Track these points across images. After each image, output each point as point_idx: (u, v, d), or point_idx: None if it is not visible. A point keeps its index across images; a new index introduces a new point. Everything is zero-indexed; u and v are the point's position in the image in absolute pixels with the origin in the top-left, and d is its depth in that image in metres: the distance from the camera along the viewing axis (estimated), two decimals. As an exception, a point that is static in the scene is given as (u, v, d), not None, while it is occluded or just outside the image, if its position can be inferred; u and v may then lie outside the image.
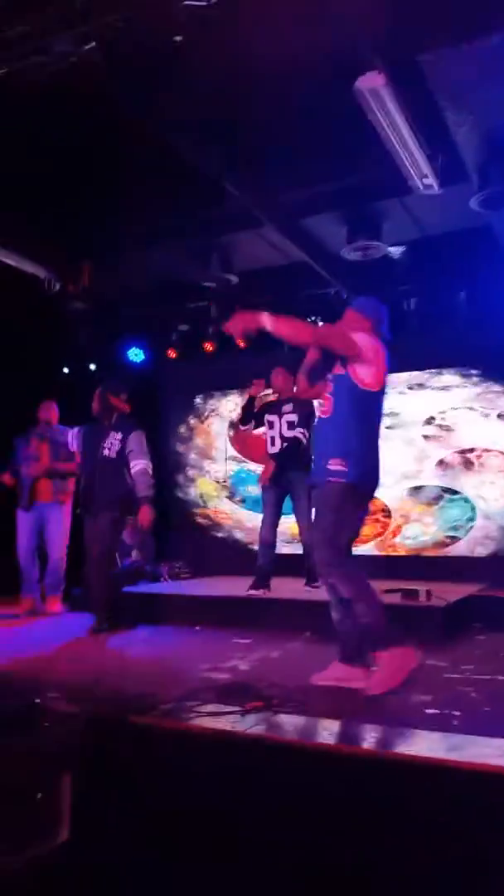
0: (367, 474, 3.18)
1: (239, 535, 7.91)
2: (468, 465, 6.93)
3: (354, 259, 5.99)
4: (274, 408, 5.66)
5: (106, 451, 4.86)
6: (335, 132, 4.73)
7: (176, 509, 8.40)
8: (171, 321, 8.00)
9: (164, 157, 4.93)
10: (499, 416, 6.86)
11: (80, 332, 7.24)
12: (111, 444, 4.86)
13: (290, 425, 5.49)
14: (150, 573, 6.72)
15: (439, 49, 3.84)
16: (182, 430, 8.51)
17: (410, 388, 7.08)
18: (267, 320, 3.14)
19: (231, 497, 8.07)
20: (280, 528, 5.58)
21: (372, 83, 3.89)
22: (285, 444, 5.46)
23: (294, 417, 5.49)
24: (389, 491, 6.86)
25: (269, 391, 5.87)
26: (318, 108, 4.54)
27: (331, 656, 3.27)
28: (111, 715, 2.67)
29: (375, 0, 3.68)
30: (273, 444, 5.60)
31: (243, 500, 7.90)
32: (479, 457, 6.88)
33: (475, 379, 6.99)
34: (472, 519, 6.89)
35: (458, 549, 6.94)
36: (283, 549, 5.96)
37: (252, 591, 5.27)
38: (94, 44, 3.81)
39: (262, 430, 5.75)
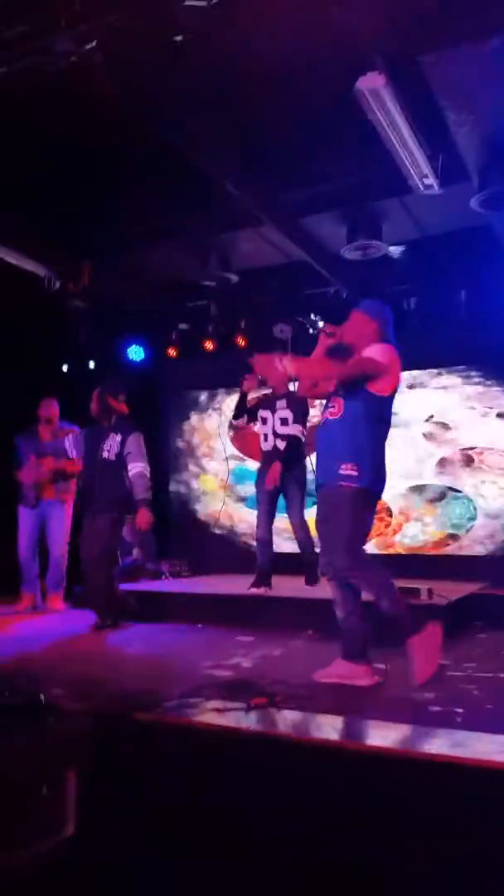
0: (377, 478, 3.23)
1: (240, 532, 7.93)
2: (468, 463, 6.95)
3: (354, 258, 6.01)
4: (267, 404, 5.64)
5: (105, 454, 4.88)
6: (335, 132, 4.75)
7: (177, 507, 8.42)
8: (171, 320, 8.02)
9: (164, 156, 4.94)
10: (498, 415, 6.89)
11: (80, 331, 7.25)
12: (110, 445, 4.88)
13: (284, 422, 5.48)
14: (151, 571, 6.74)
15: (440, 49, 3.86)
16: (182, 428, 8.53)
17: (411, 387, 7.09)
18: (290, 365, 3.16)
19: (231, 495, 8.08)
20: (283, 526, 5.60)
21: (372, 83, 3.90)
22: (280, 442, 5.45)
23: (288, 414, 5.48)
24: (390, 490, 6.81)
25: (266, 390, 5.86)
26: (319, 108, 4.56)
27: (333, 654, 3.29)
28: (116, 711, 2.68)
29: (376, 0, 3.71)
30: (266, 440, 5.58)
31: (244, 499, 7.92)
32: (479, 455, 6.91)
33: (475, 378, 7.01)
34: (472, 518, 6.91)
35: (459, 548, 6.96)
36: (284, 547, 5.97)
37: (253, 590, 5.29)
38: (94, 43, 3.83)
39: (256, 426, 5.75)
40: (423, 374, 7.13)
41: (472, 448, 6.94)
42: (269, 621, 4.73)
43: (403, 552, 7.11)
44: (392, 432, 3.39)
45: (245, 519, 7.80)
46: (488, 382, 6.95)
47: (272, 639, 4.28)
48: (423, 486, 7.08)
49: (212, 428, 8.33)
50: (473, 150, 4.62)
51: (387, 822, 2.08)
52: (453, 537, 6.98)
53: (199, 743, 2.48)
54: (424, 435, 7.11)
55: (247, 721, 2.50)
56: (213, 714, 2.58)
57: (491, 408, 6.92)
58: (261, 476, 5.61)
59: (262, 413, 5.61)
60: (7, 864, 2.23)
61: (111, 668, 3.71)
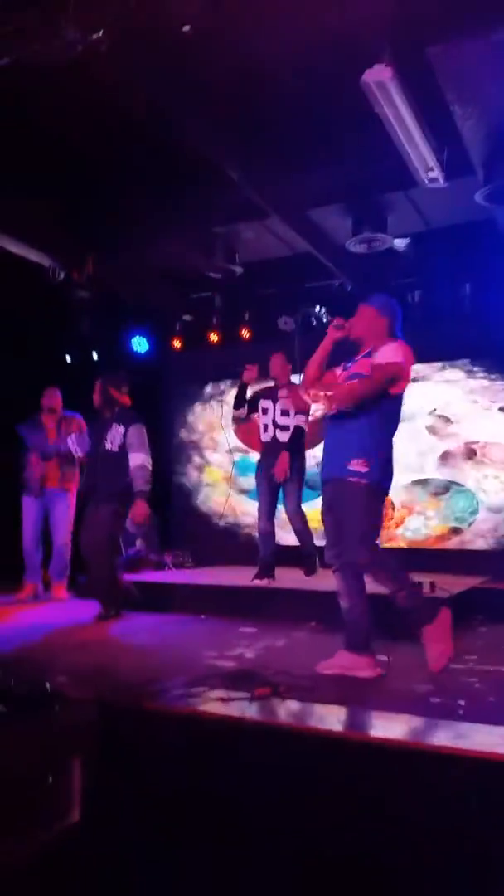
0: (386, 475, 3.27)
1: (243, 524, 7.95)
2: (471, 458, 6.96)
3: (359, 251, 6.01)
4: (269, 394, 5.63)
5: (108, 444, 4.89)
6: (342, 124, 4.75)
7: (180, 499, 8.45)
8: (175, 311, 8.02)
9: (169, 146, 4.95)
10: (501, 409, 6.89)
11: (84, 321, 7.24)
12: (113, 437, 4.89)
13: (285, 412, 5.49)
14: (154, 562, 6.76)
15: (446, 42, 3.85)
16: (186, 419, 8.55)
17: (414, 380, 7.04)
18: (327, 402, 3.21)
19: (235, 486, 8.10)
20: (286, 518, 5.61)
21: (379, 76, 3.90)
22: (280, 433, 5.45)
23: (289, 405, 5.48)
24: (393, 483, 6.89)
25: (268, 381, 5.85)
26: (325, 100, 4.55)
27: (336, 645, 3.32)
28: (121, 700, 2.71)
29: (384, -7, 3.71)
30: (266, 430, 5.58)
31: (247, 490, 7.93)
32: (482, 449, 6.92)
33: (479, 372, 7.01)
34: (475, 512, 6.93)
35: (461, 542, 6.98)
36: (287, 539, 5.98)
37: (256, 581, 5.31)
38: (101, 32, 3.83)
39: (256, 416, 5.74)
40: (426, 368, 7.12)
41: (474, 442, 6.95)
42: (272, 612, 4.75)
43: (405, 546, 7.13)
44: (395, 426, 3.40)
45: (248, 510, 7.80)
46: (492, 376, 6.95)
47: (275, 630, 4.30)
48: (426, 479, 7.09)
49: (215, 420, 8.34)
50: (479, 144, 4.62)
51: (388, 813, 2.11)
52: (455, 531, 7.00)
53: (202, 732, 2.50)
54: (427, 428, 7.12)
55: (250, 711, 2.53)
56: (217, 704, 2.60)
57: (494, 402, 6.92)
58: (261, 467, 5.62)
59: (264, 403, 5.61)
60: (12, 852, 2.25)
61: (115, 658, 3.74)
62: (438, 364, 7.10)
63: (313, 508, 7.27)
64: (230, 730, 2.45)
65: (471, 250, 6.33)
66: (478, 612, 4.78)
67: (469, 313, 6.64)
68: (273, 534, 5.50)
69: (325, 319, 3.69)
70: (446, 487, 7.05)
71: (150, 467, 4.84)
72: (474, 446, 6.95)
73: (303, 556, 5.52)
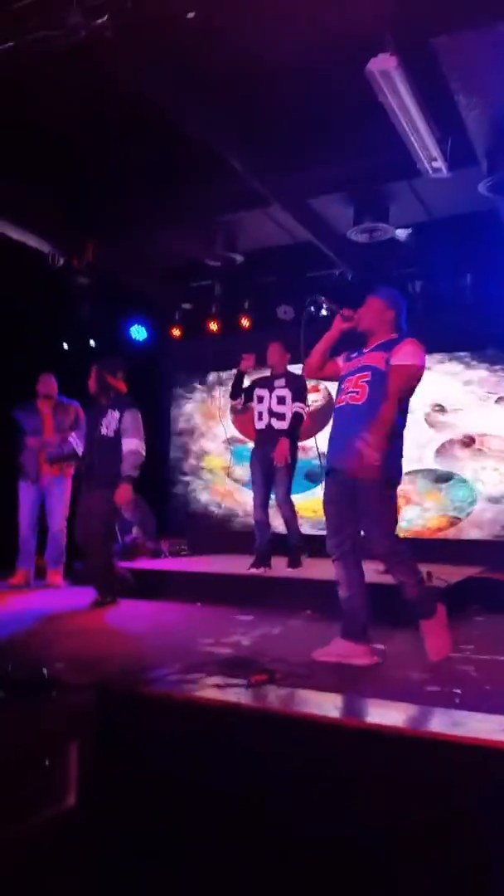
0: (399, 466, 3.31)
1: (240, 513, 7.96)
2: (470, 448, 6.98)
3: (361, 241, 6.00)
4: (265, 382, 5.60)
5: (104, 430, 4.88)
6: (345, 113, 4.73)
7: (177, 487, 8.46)
8: (175, 299, 8.01)
9: (172, 133, 4.92)
10: (499, 399, 6.91)
11: (83, 308, 7.22)
12: (108, 422, 4.88)
13: (281, 400, 5.46)
14: (150, 550, 6.77)
15: (452, 32, 3.83)
16: (184, 408, 8.55)
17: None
18: (378, 440, 3.15)
19: (231, 475, 8.11)
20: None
21: (384, 65, 3.89)
22: (276, 421, 5.42)
23: (286, 393, 5.45)
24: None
25: (265, 371, 5.83)
26: (329, 89, 4.54)
27: (332, 633, 3.33)
28: (118, 686, 2.72)
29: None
30: (260, 418, 5.54)
31: (244, 480, 7.95)
32: (480, 440, 6.93)
33: (479, 363, 7.03)
34: (472, 502, 6.95)
35: (458, 532, 7.01)
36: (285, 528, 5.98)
37: (253, 570, 5.32)
38: (105, 17, 3.80)
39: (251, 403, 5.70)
40: (426, 358, 7.11)
41: (474, 433, 6.97)
42: (268, 601, 4.76)
43: (403, 535, 7.13)
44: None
45: (245, 499, 7.83)
46: (494, 367, 6.97)
47: (271, 618, 4.31)
48: (425, 470, 7.11)
49: (213, 409, 8.35)
50: (483, 135, 4.61)
51: (385, 799, 2.12)
52: (453, 521, 7.03)
53: (199, 718, 2.51)
54: (426, 419, 7.13)
55: (247, 697, 2.53)
56: (214, 690, 2.61)
57: (493, 393, 6.93)
58: (255, 456, 5.60)
59: (259, 392, 5.58)
60: (9, 834, 2.27)
61: (112, 644, 3.75)
62: (439, 355, 7.10)
63: (312, 497, 7.34)
64: (227, 716, 2.45)
65: (472, 241, 6.33)
66: (474, 602, 4.80)
67: (470, 304, 6.65)
68: (268, 523, 5.50)
69: (323, 311, 3.69)
70: (445, 478, 7.06)
71: (142, 453, 4.83)
72: (473, 437, 6.97)
73: (289, 546, 5.51)
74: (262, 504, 5.51)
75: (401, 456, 3.34)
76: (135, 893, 2.45)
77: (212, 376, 8.39)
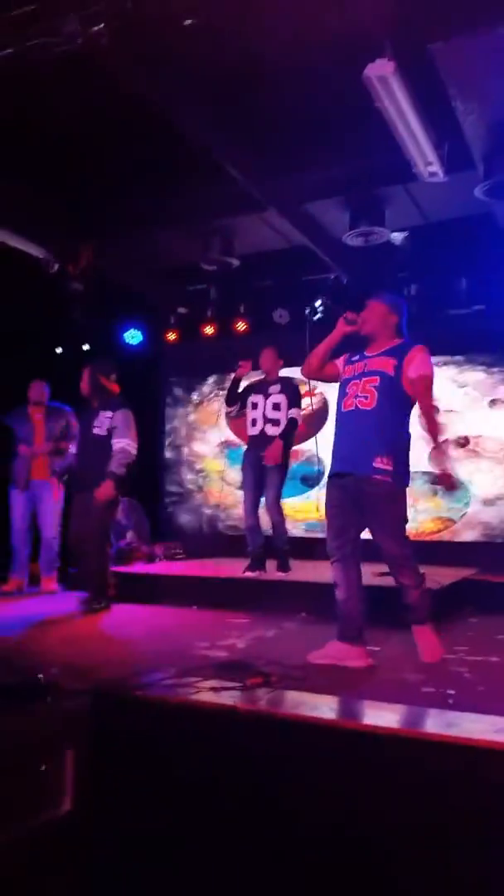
0: (407, 472, 3.37)
1: (235, 516, 7.96)
2: (464, 451, 7.00)
3: (356, 244, 6.01)
4: (259, 388, 5.58)
5: (96, 430, 4.88)
6: (341, 117, 4.75)
7: (172, 491, 8.45)
8: (170, 304, 8.01)
9: (168, 138, 4.94)
10: (492, 402, 6.93)
11: (77, 313, 7.22)
12: (101, 422, 4.88)
13: (276, 407, 5.45)
14: (145, 554, 6.77)
15: (449, 38, 3.85)
16: (179, 412, 8.54)
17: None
18: (446, 453, 3.37)
19: (227, 479, 8.11)
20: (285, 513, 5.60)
21: (381, 71, 3.91)
22: (270, 427, 5.40)
23: (281, 399, 5.44)
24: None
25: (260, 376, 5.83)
26: (326, 93, 4.55)
27: (326, 636, 3.34)
28: (114, 690, 2.72)
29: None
30: (254, 424, 5.52)
31: (238, 483, 7.95)
32: (475, 443, 6.95)
33: (474, 365, 7.05)
34: (466, 504, 6.98)
35: (453, 534, 7.03)
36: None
37: (248, 573, 5.32)
38: (102, 25, 3.82)
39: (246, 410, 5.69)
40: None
41: (468, 435, 6.98)
42: (263, 604, 4.76)
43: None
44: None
45: (239, 503, 7.82)
46: (491, 370, 6.99)
47: (266, 621, 4.32)
48: (419, 472, 7.11)
49: (208, 412, 8.35)
50: (480, 139, 4.63)
51: (380, 800, 2.13)
52: (447, 523, 7.04)
53: (195, 721, 2.51)
54: (420, 421, 7.14)
55: (242, 700, 2.54)
56: (210, 693, 2.61)
57: (488, 395, 6.96)
58: (246, 461, 5.60)
59: (254, 398, 5.56)
60: (5, 837, 2.27)
61: (106, 649, 3.75)
62: (434, 358, 7.09)
63: (307, 501, 7.35)
64: (222, 719, 2.46)
65: (468, 245, 6.35)
66: (468, 603, 4.81)
67: (465, 308, 6.65)
68: (259, 527, 5.49)
69: (318, 314, 3.71)
70: (436, 483, 7.07)
71: (132, 452, 4.82)
72: (468, 439, 6.99)
73: (276, 550, 5.48)
74: (252, 509, 5.50)
75: (407, 462, 3.39)
76: (130, 891, 2.45)
77: (207, 380, 8.39)
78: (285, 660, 3.14)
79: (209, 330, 7.74)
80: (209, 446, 8.33)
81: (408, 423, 3.39)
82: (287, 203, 5.79)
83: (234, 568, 5.56)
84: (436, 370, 3.54)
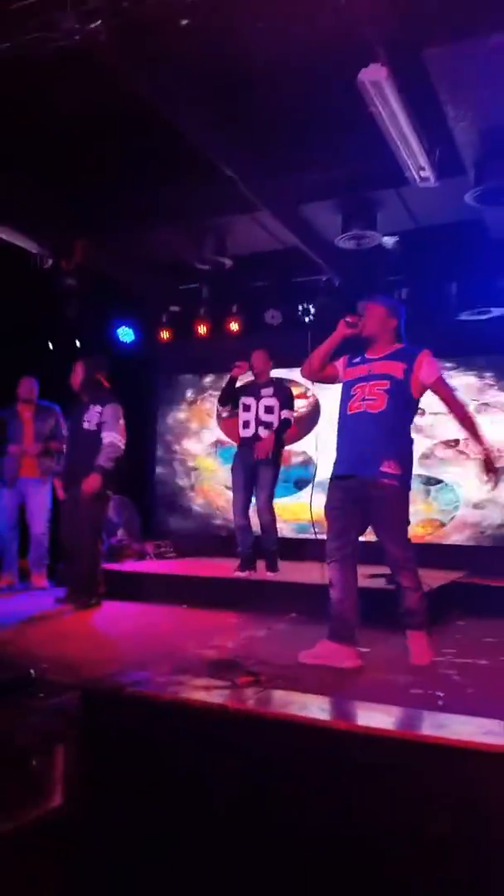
0: (411, 476, 3.41)
1: (226, 516, 7.96)
2: (453, 455, 7.05)
3: (348, 247, 6.04)
4: (251, 390, 5.59)
5: (86, 425, 4.91)
6: (335, 121, 4.78)
7: (163, 489, 8.46)
8: (163, 302, 8.02)
9: (163, 137, 4.94)
10: (481, 406, 6.98)
11: (69, 309, 7.21)
12: (91, 416, 4.91)
13: (269, 410, 5.46)
14: (135, 552, 6.77)
15: (442, 44, 3.89)
16: (171, 410, 8.55)
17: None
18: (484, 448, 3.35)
19: (218, 478, 8.12)
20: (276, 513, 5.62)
21: (375, 75, 3.93)
22: (263, 430, 5.41)
23: (273, 402, 5.46)
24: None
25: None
26: (319, 97, 4.57)
27: (316, 636, 3.35)
28: (104, 687, 2.73)
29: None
30: (247, 427, 5.53)
31: (230, 482, 7.96)
32: (465, 446, 7.00)
33: (465, 369, 7.09)
34: (456, 507, 7.03)
35: (441, 537, 7.07)
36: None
37: (238, 573, 5.34)
38: (99, 22, 3.83)
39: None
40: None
41: (457, 439, 7.03)
42: (253, 604, 4.78)
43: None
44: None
45: (230, 503, 7.83)
46: (483, 374, 7.03)
47: (256, 621, 4.34)
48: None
49: (200, 412, 8.36)
50: (471, 146, 4.67)
51: (370, 799, 2.15)
52: (437, 526, 7.09)
53: (185, 720, 2.53)
54: (413, 425, 7.17)
55: (233, 699, 2.56)
56: (200, 692, 2.63)
57: (477, 399, 7.01)
58: (237, 462, 5.61)
59: (245, 400, 5.57)
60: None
61: (97, 646, 3.76)
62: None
63: (297, 501, 7.37)
64: (213, 718, 2.48)
65: (458, 250, 6.39)
66: (457, 606, 4.84)
67: (454, 312, 6.69)
68: (249, 527, 5.50)
69: (309, 316, 3.73)
70: (431, 484, 7.12)
71: (120, 446, 4.84)
72: (458, 443, 7.03)
73: (265, 551, 5.49)
74: (242, 509, 5.52)
75: (411, 466, 3.44)
76: (121, 892, 2.46)
77: (199, 379, 8.40)
78: (276, 660, 3.16)
79: (202, 329, 7.74)
80: (201, 445, 8.34)
81: (411, 426, 3.45)
82: (281, 204, 5.81)
83: (224, 567, 5.58)
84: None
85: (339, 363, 3.58)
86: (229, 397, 5.65)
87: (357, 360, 3.54)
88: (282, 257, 6.90)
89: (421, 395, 3.44)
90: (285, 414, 5.44)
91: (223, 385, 5.76)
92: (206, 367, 8.20)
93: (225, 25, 3.99)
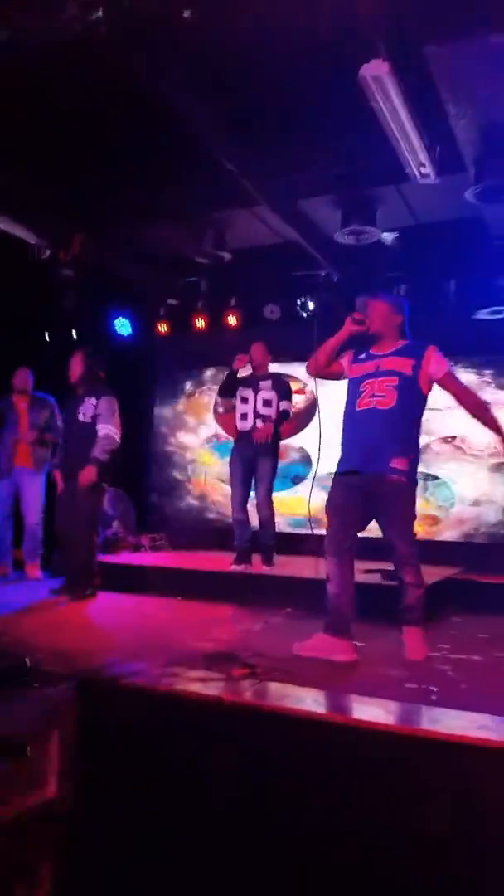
0: (416, 473, 3.45)
1: (221, 509, 7.98)
2: (449, 451, 7.06)
3: (347, 243, 6.04)
4: (249, 383, 5.59)
5: (81, 417, 4.93)
6: (336, 117, 4.77)
7: (158, 481, 8.46)
8: (161, 295, 8.01)
9: (163, 130, 4.94)
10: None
11: (67, 301, 7.20)
12: (86, 409, 4.93)
13: (267, 403, 5.47)
14: (131, 544, 6.79)
15: (444, 41, 3.89)
16: (168, 404, 8.55)
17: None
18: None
19: (213, 472, 8.13)
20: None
21: (376, 71, 3.92)
22: (261, 423, 5.44)
23: (272, 395, 5.47)
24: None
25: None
26: (320, 92, 4.57)
27: (312, 631, 3.37)
28: (99, 677, 2.74)
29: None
30: (245, 419, 5.54)
31: (226, 476, 7.97)
32: (461, 443, 7.02)
33: (464, 366, 7.09)
34: (451, 504, 7.05)
35: (437, 533, 7.09)
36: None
37: (234, 567, 5.35)
38: (100, 13, 3.82)
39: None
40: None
41: (453, 436, 7.04)
42: (249, 598, 4.79)
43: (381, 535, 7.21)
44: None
45: (226, 496, 7.84)
46: (482, 372, 7.04)
47: (252, 615, 4.35)
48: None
49: (196, 405, 8.36)
50: (471, 143, 4.67)
51: (364, 792, 2.17)
52: (433, 522, 7.11)
53: (180, 711, 2.54)
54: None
55: (228, 691, 2.57)
56: (196, 684, 2.64)
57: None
58: (235, 455, 5.61)
59: (243, 392, 5.58)
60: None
61: (93, 637, 3.77)
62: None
63: (295, 495, 7.37)
64: (208, 709, 2.49)
65: (457, 247, 6.39)
66: (451, 603, 4.87)
67: (453, 310, 6.70)
68: (247, 521, 5.51)
69: (308, 312, 3.73)
70: (427, 480, 7.14)
71: (115, 438, 4.86)
72: (454, 439, 7.05)
73: (262, 545, 5.52)
74: (241, 503, 5.53)
75: (418, 462, 3.48)
76: (117, 881, 2.48)
77: (196, 372, 8.40)
78: (271, 652, 3.17)
79: (200, 323, 7.73)
80: (197, 438, 8.35)
81: (421, 422, 3.48)
82: (280, 199, 5.81)
83: (219, 560, 5.59)
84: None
85: (345, 360, 3.60)
86: (230, 389, 5.66)
87: (363, 356, 3.56)
88: (280, 252, 6.89)
89: (430, 390, 3.45)
90: (284, 405, 5.46)
91: (222, 379, 5.77)
92: (204, 361, 8.20)
93: (227, 18, 3.98)
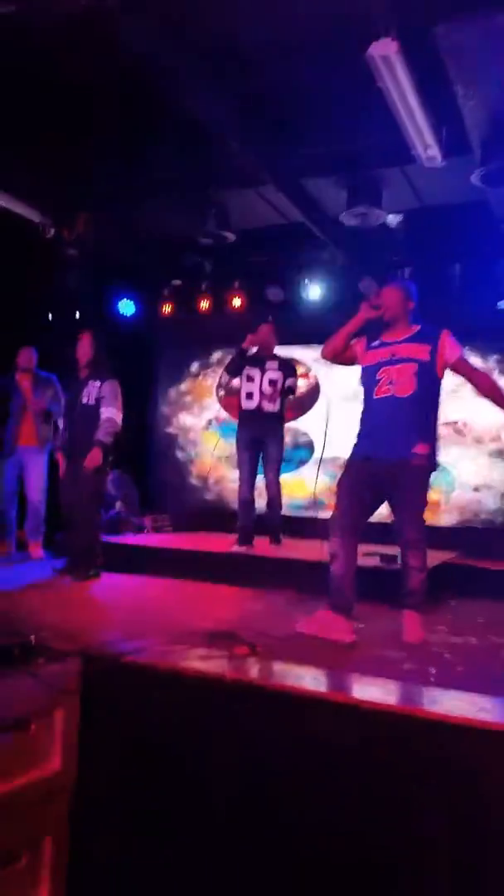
0: (436, 459, 3.47)
1: (223, 490, 8.01)
2: (451, 437, 7.07)
3: (352, 224, 6.01)
4: (256, 362, 5.61)
5: (85, 399, 4.96)
6: (343, 96, 4.73)
7: (161, 463, 8.48)
8: (165, 276, 7.98)
9: (169, 109, 4.91)
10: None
11: (70, 280, 7.18)
12: (90, 392, 4.97)
13: (273, 383, 5.50)
14: (133, 525, 6.82)
15: (453, 21, 3.85)
16: (171, 385, 8.55)
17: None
18: None
19: (217, 453, 8.14)
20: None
21: (384, 50, 3.89)
22: (266, 403, 5.46)
23: (278, 376, 5.51)
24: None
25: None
26: (327, 71, 4.53)
27: (313, 611, 3.41)
28: (104, 654, 2.78)
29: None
30: (250, 398, 5.55)
31: (229, 458, 7.99)
32: (462, 428, 7.03)
33: (469, 351, 7.06)
34: (451, 490, 7.07)
35: (435, 518, 7.10)
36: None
37: (236, 548, 5.39)
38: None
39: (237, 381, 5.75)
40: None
41: (454, 422, 7.05)
42: (252, 579, 4.82)
43: (382, 520, 7.24)
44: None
45: (228, 477, 7.88)
46: (487, 357, 7.04)
47: (254, 596, 4.39)
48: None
49: (200, 386, 8.37)
50: (478, 125, 4.64)
51: (362, 771, 2.20)
52: (433, 508, 7.13)
53: (182, 688, 2.58)
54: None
55: (229, 669, 2.61)
56: (197, 661, 2.68)
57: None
58: (241, 435, 5.63)
59: (250, 371, 5.59)
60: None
61: (96, 616, 3.81)
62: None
63: (299, 477, 7.39)
64: (210, 686, 2.52)
65: (462, 230, 6.36)
66: (449, 587, 4.90)
67: (458, 293, 6.68)
68: (253, 502, 5.55)
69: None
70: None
71: (118, 422, 4.90)
72: (456, 425, 7.05)
73: (270, 526, 5.57)
74: (248, 484, 5.55)
75: (436, 448, 3.50)
76: (120, 856, 2.53)
77: (199, 354, 8.39)
78: (272, 632, 3.21)
79: (204, 304, 7.72)
80: (200, 420, 8.36)
81: (438, 408, 3.49)
82: (285, 178, 5.78)
83: (222, 542, 5.62)
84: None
85: (358, 346, 3.60)
86: (238, 368, 5.66)
87: (376, 343, 3.56)
88: (285, 233, 6.86)
89: (443, 374, 3.47)
90: (290, 382, 5.49)
91: (226, 361, 5.79)
92: (207, 343, 8.19)
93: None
